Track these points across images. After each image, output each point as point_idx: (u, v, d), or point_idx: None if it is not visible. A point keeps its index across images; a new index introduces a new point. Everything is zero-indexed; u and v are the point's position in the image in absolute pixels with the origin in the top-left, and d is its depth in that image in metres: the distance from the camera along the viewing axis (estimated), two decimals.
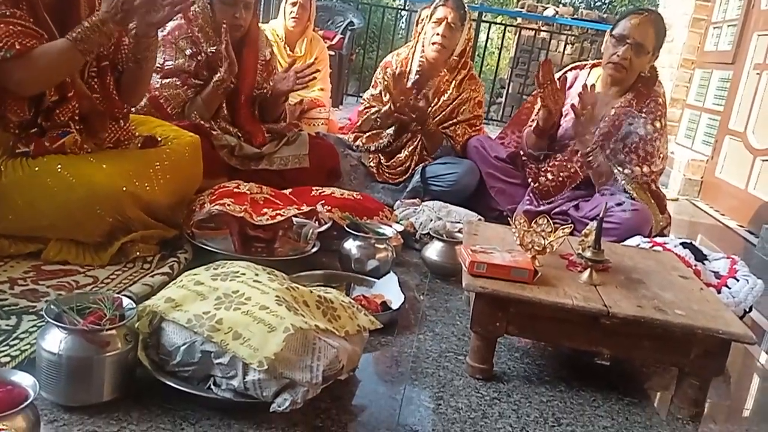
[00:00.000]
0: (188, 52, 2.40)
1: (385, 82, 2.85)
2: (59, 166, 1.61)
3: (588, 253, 1.54)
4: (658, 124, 2.51)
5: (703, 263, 1.93)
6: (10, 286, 1.45)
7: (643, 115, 2.50)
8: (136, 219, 1.71)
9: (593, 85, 2.53)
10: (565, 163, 2.61)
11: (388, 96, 2.80)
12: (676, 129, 4.99)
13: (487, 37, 7.63)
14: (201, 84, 2.43)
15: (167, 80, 2.38)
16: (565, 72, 2.79)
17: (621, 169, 2.46)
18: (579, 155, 2.53)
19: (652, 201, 2.50)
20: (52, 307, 1.12)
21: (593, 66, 2.75)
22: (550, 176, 2.64)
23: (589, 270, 1.53)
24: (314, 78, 2.60)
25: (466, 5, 2.81)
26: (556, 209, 2.61)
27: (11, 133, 1.65)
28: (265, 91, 2.63)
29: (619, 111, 2.54)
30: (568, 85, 2.64)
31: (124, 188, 1.65)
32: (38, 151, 1.64)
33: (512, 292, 1.39)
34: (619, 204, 2.40)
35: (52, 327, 1.09)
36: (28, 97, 1.64)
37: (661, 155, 2.53)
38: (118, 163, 1.70)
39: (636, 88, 2.56)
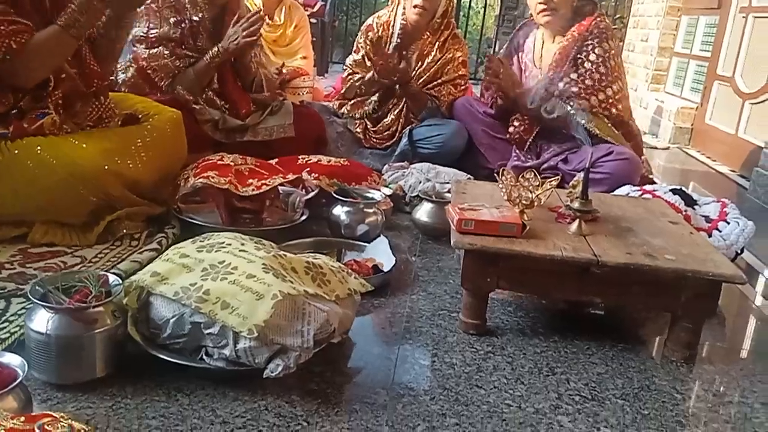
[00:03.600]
0: (172, 20, 2.36)
1: (367, 47, 2.81)
2: (39, 148, 1.59)
3: (576, 204, 1.53)
4: (606, 45, 2.49)
5: (693, 208, 1.93)
6: None
7: (589, 41, 2.49)
8: (120, 197, 1.69)
9: (495, 56, 2.65)
10: (524, 108, 2.61)
11: (370, 61, 2.76)
12: (665, 78, 4.95)
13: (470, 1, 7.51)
14: (188, 54, 2.39)
15: (154, 50, 2.34)
16: (517, 31, 2.80)
17: (572, 104, 2.44)
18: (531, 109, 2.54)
19: (617, 132, 2.48)
20: (37, 287, 1.12)
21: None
22: (516, 123, 2.64)
23: (577, 221, 1.52)
24: (261, 24, 2.48)
25: None
26: (545, 164, 2.61)
27: None
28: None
29: (563, 46, 2.54)
30: (521, 43, 2.72)
31: (106, 167, 1.63)
32: (17, 134, 1.61)
33: (501, 247, 1.39)
34: (607, 154, 2.39)
35: (39, 308, 1.08)
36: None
37: (616, 76, 2.50)
38: (99, 142, 1.67)
39: (577, 20, 2.55)
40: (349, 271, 1.41)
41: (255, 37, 2.39)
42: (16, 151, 1.59)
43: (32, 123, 1.64)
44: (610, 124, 2.49)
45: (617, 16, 7.56)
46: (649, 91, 4.96)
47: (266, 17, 3.77)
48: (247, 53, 2.50)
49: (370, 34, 2.88)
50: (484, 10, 8.73)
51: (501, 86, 2.59)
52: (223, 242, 1.30)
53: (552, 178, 1.62)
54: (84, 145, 1.64)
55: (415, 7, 2.73)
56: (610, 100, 2.49)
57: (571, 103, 2.45)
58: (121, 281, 1.19)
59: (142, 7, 2.06)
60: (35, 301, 1.08)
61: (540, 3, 2.51)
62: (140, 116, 1.94)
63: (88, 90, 1.76)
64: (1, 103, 1.63)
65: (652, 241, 1.49)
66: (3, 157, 1.57)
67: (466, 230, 1.44)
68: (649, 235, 1.53)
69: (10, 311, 1.27)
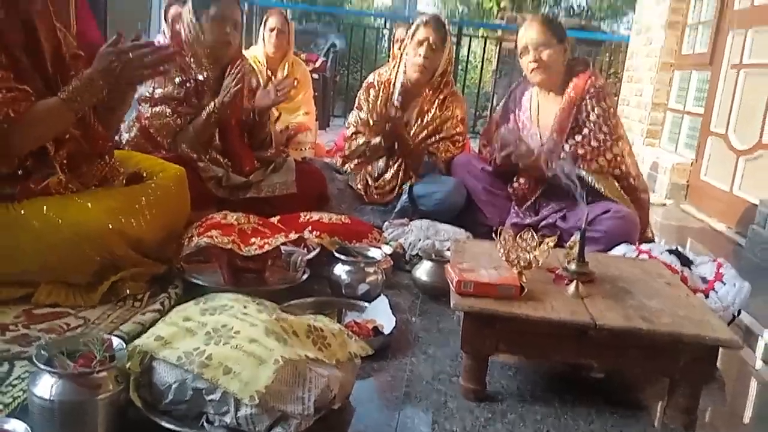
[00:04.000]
0: (177, 80, 2.44)
1: (369, 105, 2.88)
2: (45, 207, 1.62)
3: (573, 266, 1.56)
4: (603, 104, 2.57)
5: (690, 268, 1.95)
6: (0, 332, 1.45)
7: (587, 100, 2.55)
8: (124, 256, 1.72)
9: (505, 127, 2.68)
10: (531, 167, 2.65)
11: (374, 117, 2.83)
12: (660, 133, 5.04)
13: (469, 50, 7.70)
14: (191, 112, 2.45)
15: (157, 109, 2.41)
16: (513, 89, 2.87)
17: (582, 166, 2.49)
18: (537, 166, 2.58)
19: (623, 193, 2.52)
20: (42, 352, 1.13)
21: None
22: (522, 180, 2.68)
23: (575, 283, 1.54)
24: (294, 88, 2.61)
25: (446, 24, 2.85)
26: (543, 221, 2.64)
27: None
28: (252, 115, 2.66)
29: (562, 108, 2.60)
30: (517, 102, 2.78)
31: (111, 226, 1.66)
32: (24, 194, 1.65)
33: (499, 310, 1.41)
34: (605, 212, 2.42)
35: (43, 372, 1.09)
36: None
37: (619, 135, 2.57)
38: (104, 201, 1.71)
39: (571, 78, 2.62)
40: (350, 333, 1.42)
41: (284, 99, 2.48)
42: (23, 211, 1.62)
43: (38, 183, 1.68)
44: (617, 184, 2.54)
45: (611, 71, 7.75)
46: (644, 146, 5.04)
47: (269, 73, 3.89)
48: (266, 112, 2.58)
49: (371, 91, 2.96)
50: (482, 65, 8.95)
51: (517, 160, 2.59)
52: (226, 304, 1.33)
53: (549, 239, 1.64)
54: (89, 205, 1.67)
55: (416, 65, 2.81)
56: (618, 159, 2.55)
57: (581, 165, 2.50)
58: (124, 345, 1.20)
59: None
60: (40, 366, 1.09)
61: (531, 62, 2.59)
62: (144, 174, 1.99)
63: (93, 151, 1.81)
64: (5, 165, 1.66)
65: (649, 304, 1.50)
66: (9, 217, 1.60)
67: (466, 292, 1.46)
68: (645, 297, 1.55)
69: (13, 375, 1.28)
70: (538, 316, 1.39)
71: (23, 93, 1.61)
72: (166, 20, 3.69)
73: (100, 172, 1.84)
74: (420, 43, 2.79)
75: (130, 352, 1.20)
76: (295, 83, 2.61)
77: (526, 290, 1.49)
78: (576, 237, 1.63)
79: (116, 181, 1.89)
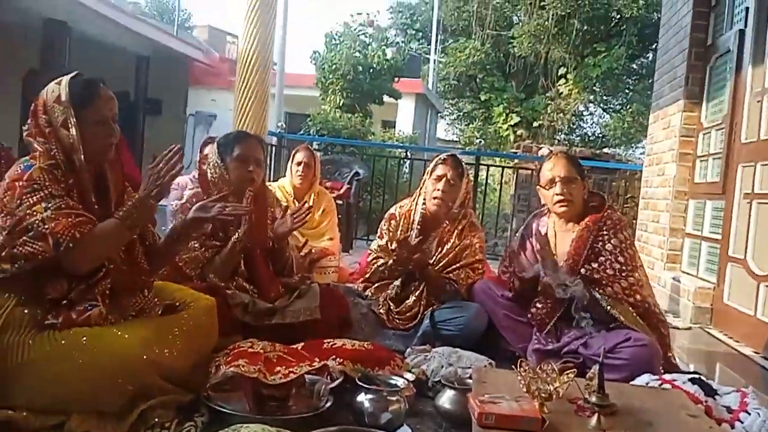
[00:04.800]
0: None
1: (390, 234, 3.01)
2: (84, 338, 1.71)
3: (593, 398, 1.57)
4: (621, 236, 2.65)
5: (714, 398, 1.94)
6: None
7: (604, 231, 2.64)
8: (154, 385, 1.77)
9: (544, 234, 2.78)
10: (549, 290, 2.69)
11: (393, 245, 2.95)
12: (680, 258, 5.07)
13: (487, 177, 7.98)
14: (217, 245, 2.59)
15: None
16: (529, 221, 2.99)
17: (599, 290, 2.54)
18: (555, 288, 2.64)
19: (642, 322, 2.55)
20: None
21: (549, 211, 2.92)
22: (539, 305, 2.72)
23: (596, 415, 1.56)
24: (309, 214, 2.75)
25: (463, 162, 3.04)
26: (565, 348, 2.65)
27: (41, 308, 1.77)
28: (272, 243, 2.78)
29: (579, 235, 2.68)
30: (534, 231, 2.88)
31: (145, 357, 1.73)
32: (65, 324, 1.74)
33: None
34: (626, 340, 2.44)
35: None
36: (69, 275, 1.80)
37: (635, 266, 2.62)
38: (140, 332, 1.80)
39: (588, 213, 2.73)
40: None
41: (300, 225, 2.62)
42: (63, 341, 1.71)
43: (80, 314, 1.77)
44: (633, 311, 2.57)
45: (628, 195, 7.92)
46: (665, 270, 5.06)
47: (296, 203, 4.08)
48: (285, 238, 2.71)
49: (392, 221, 3.10)
50: (500, 188, 9.21)
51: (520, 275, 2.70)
52: None
53: (570, 370, 1.68)
54: (126, 336, 1.75)
55: (434, 199, 2.97)
56: (633, 287, 2.59)
57: (599, 290, 2.56)
58: None
59: (177, 206, 2.32)
60: None
61: (558, 194, 2.70)
62: (178, 304, 2.08)
63: (135, 285, 1.92)
64: (56, 289, 1.78)
65: None
66: (51, 348, 1.69)
67: (488, 424, 1.48)
68: (668, 430, 1.55)
69: None
70: None
71: (88, 219, 1.80)
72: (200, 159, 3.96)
73: (138, 304, 1.95)
74: (438, 179, 2.97)
75: None
76: (309, 211, 2.75)
77: (547, 422, 1.50)
78: (595, 369, 1.65)
79: (152, 312, 1.98)
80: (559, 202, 2.72)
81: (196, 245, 2.55)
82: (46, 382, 1.66)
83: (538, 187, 2.85)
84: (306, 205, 2.81)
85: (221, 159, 2.65)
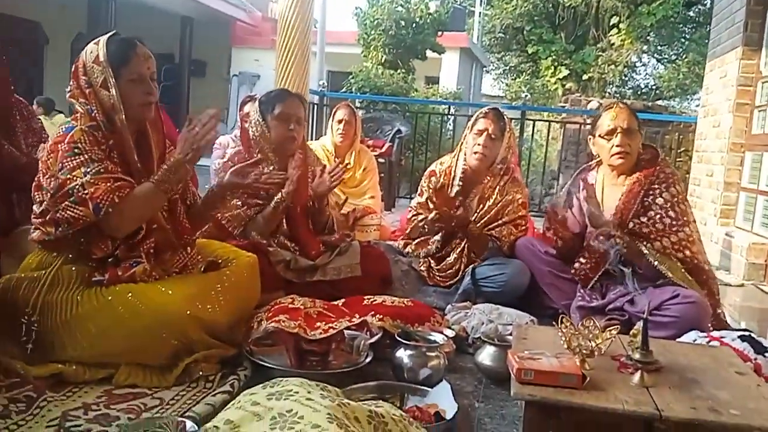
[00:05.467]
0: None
1: (430, 191, 2.98)
2: (129, 294, 1.76)
3: (637, 355, 1.54)
4: (673, 190, 2.55)
5: (764, 356, 1.88)
6: (84, 411, 1.56)
7: (655, 186, 2.55)
8: (198, 340, 1.82)
9: (591, 184, 2.70)
10: (593, 244, 2.63)
11: (432, 204, 2.92)
12: (734, 212, 4.89)
13: (533, 132, 7.80)
14: (260, 203, 2.61)
15: None
16: (577, 175, 2.89)
17: (647, 244, 2.47)
18: (601, 240, 2.57)
19: (690, 278, 2.47)
20: None
21: (598, 164, 2.82)
22: (583, 259, 2.66)
23: (639, 372, 1.52)
24: (345, 171, 2.73)
25: (505, 115, 2.95)
26: (611, 305, 2.60)
27: (88, 265, 1.82)
28: (312, 203, 2.79)
29: (629, 189, 2.60)
30: (582, 186, 2.79)
31: (189, 312, 1.78)
32: (112, 281, 1.80)
33: (561, 399, 1.40)
34: (673, 296, 2.37)
35: None
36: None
37: (686, 221, 2.53)
38: (183, 289, 1.84)
39: (640, 167, 2.64)
40: (411, 420, 1.44)
41: (338, 183, 2.62)
42: (110, 297, 1.77)
43: (126, 271, 1.83)
44: (682, 268, 2.50)
45: (681, 149, 7.64)
46: (718, 226, 4.90)
47: (337, 161, 4.07)
48: (323, 199, 2.71)
49: (432, 179, 3.06)
50: (547, 143, 9.00)
51: (563, 232, 2.66)
52: (291, 390, 1.38)
53: (613, 326, 1.64)
54: (170, 292, 1.80)
55: (474, 153, 2.91)
56: (683, 243, 2.51)
57: (646, 243, 2.49)
58: (197, 427, 1.27)
59: (219, 165, 2.33)
60: None
61: (617, 146, 2.60)
62: (220, 261, 2.12)
63: (178, 243, 1.96)
64: (100, 249, 1.83)
65: (718, 394, 1.46)
66: (97, 303, 1.75)
67: (526, 380, 1.46)
68: (714, 388, 1.50)
69: None
70: (600, 406, 1.38)
71: (127, 183, 1.82)
72: (240, 115, 3.98)
73: (181, 261, 1.98)
74: (479, 133, 2.90)
75: None
76: (346, 169, 2.74)
77: (588, 379, 1.48)
78: (639, 325, 1.61)
79: (195, 269, 2.02)
80: (617, 153, 2.62)
81: (239, 203, 2.58)
82: (94, 337, 1.73)
83: (590, 137, 2.75)
84: (343, 163, 2.78)
85: (262, 117, 2.65)
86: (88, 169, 1.76)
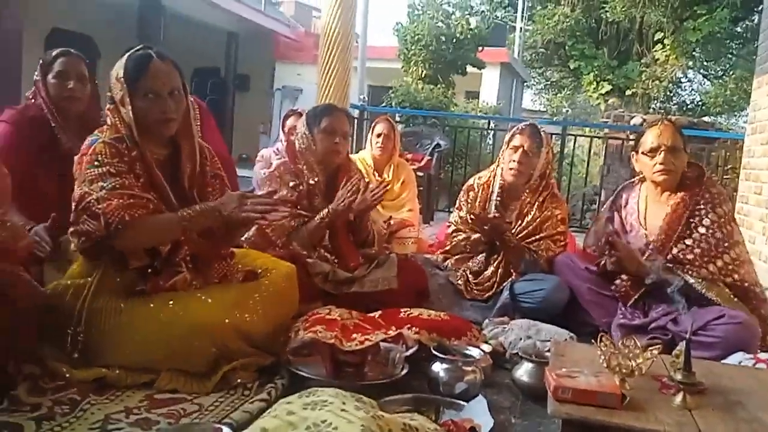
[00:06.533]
0: (291, 184, 2.66)
1: (469, 205, 2.98)
2: (171, 302, 1.80)
3: (679, 376, 1.50)
4: (720, 210, 2.49)
5: None
6: (125, 415, 1.60)
7: (701, 206, 2.48)
8: (237, 348, 1.85)
9: (614, 231, 2.66)
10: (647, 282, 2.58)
11: (471, 217, 2.92)
12: None
13: (574, 148, 7.71)
14: (304, 214, 2.64)
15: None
16: (619, 192, 2.85)
17: (691, 272, 2.41)
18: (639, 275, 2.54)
19: (736, 300, 2.40)
20: None
21: (641, 181, 2.77)
22: (624, 276, 2.61)
23: (682, 393, 1.49)
24: (386, 191, 2.74)
25: (543, 131, 2.93)
26: (653, 323, 2.54)
27: (130, 275, 1.87)
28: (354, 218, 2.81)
29: (674, 210, 2.55)
30: (624, 203, 2.75)
31: (227, 321, 1.81)
32: (153, 290, 1.85)
33: (599, 419, 1.38)
34: (719, 317, 2.31)
35: None
36: None
37: (734, 241, 2.46)
38: (222, 298, 1.87)
39: (685, 186, 2.58)
40: None
41: (378, 202, 2.64)
42: (152, 305, 1.81)
43: (167, 280, 1.87)
44: (730, 293, 2.43)
45: (728, 166, 7.44)
46: (767, 244, 4.74)
47: (376, 174, 4.10)
48: (365, 214, 2.73)
49: (471, 193, 3.06)
50: (588, 159, 8.88)
51: (621, 263, 2.59)
52: (326, 400, 1.39)
53: (655, 346, 1.61)
54: (209, 301, 1.84)
55: (510, 169, 2.90)
56: (729, 266, 2.44)
57: (690, 271, 2.44)
58: None
59: (266, 174, 2.37)
60: None
61: (661, 164, 2.55)
62: (259, 271, 2.15)
63: (216, 255, 2.00)
64: (137, 259, 1.87)
65: (763, 417, 1.42)
66: (141, 310, 1.80)
67: (564, 398, 1.45)
68: (760, 411, 1.46)
69: None
70: (639, 426, 1.36)
71: (142, 201, 1.81)
72: (283, 129, 4.05)
73: (220, 271, 2.02)
74: (515, 149, 2.89)
75: None
76: (386, 189, 2.75)
77: (627, 399, 1.45)
78: (682, 346, 1.58)
79: (234, 278, 2.05)
80: (660, 171, 2.58)
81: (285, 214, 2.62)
82: (137, 343, 1.77)
83: (633, 153, 2.71)
84: (382, 184, 2.80)
85: (309, 131, 2.70)
86: (105, 184, 1.77)
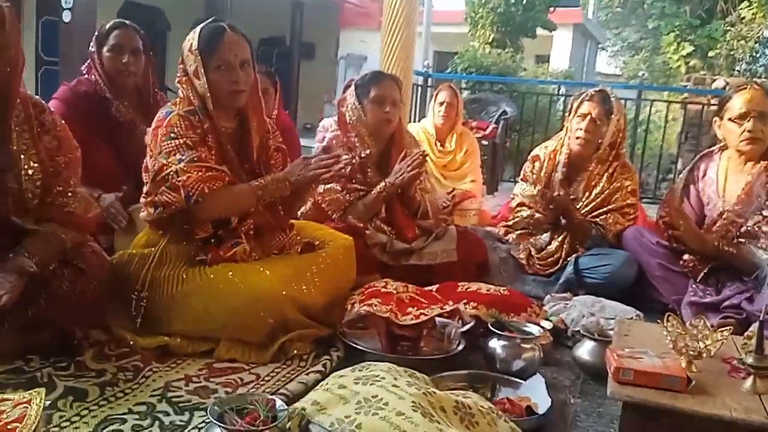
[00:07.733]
0: (344, 157, 2.63)
1: (534, 175, 2.89)
2: (230, 273, 1.83)
3: (750, 359, 1.42)
4: None
5: None
6: (185, 383, 1.65)
7: None
8: (294, 320, 1.87)
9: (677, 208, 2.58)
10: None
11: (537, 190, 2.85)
12: None
13: (650, 113, 7.36)
14: (358, 188, 2.63)
15: (327, 186, 2.61)
16: (696, 162, 2.70)
17: (765, 246, 2.29)
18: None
19: None
20: (215, 408, 1.27)
21: (721, 150, 2.60)
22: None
23: (752, 377, 1.40)
24: (420, 161, 2.64)
25: (613, 98, 2.79)
26: (726, 301, 2.41)
27: (193, 245, 1.92)
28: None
29: (756, 178, 2.42)
30: (701, 174, 2.63)
31: (284, 292, 1.83)
32: (214, 260, 1.89)
33: (662, 402, 1.32)
34: None
35: (215, 426, 1.23)
36: None
37: None
38: (280, 269, 1.90)
39: (766, 157, 2.45)
40: (500, 413, 1.41)
41: (420, 172, 2.59)
42: (212, 276, 1.85)
43: (227, 251, 1.90)
44: None
45: None
46: None
47: (438, 144, 4.04)
48: (411, 186, 2.69)
49: (536, 163, 2.96)
50: (665, 126, 8.47)
51: (682, 239, 2.52)
52: (378, 375, 1.39)
53: (726, 327, 1.52)
54: (267, 272, 1.86)
55: (577, 138, 2.78)
56: None
57: (762, 245, 2.30)
58: (286, 406, 1.30)
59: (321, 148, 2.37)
60: (213, 420, 1.22)
61: (749, 131, 2.44)
62: (317, 243, 2.16)
63: (276, 225, 2.02)
64: (202, 230, 1.92)
65: None
66: (201, 281, 1.84)
67: (625, 380, 1.39)
68: None
69: (192, 423, 1.44)
70: (705, 411, 1.29)
71: (219, 173, 1.87)
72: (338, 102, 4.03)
73: (280, 242, 2.05)
74: (582, 117, 2.76)
75: (290, 413, 1.30)
76: (424, 160, 2.64)
77: (693, 382, 1.38)
78: (754, 327, 1.48)
79: (293, 250, 2.07)
80: (748, 139, 2.45)
81: (337, 188, 2.61)
82: (197, 312, 1.82)
83: (716, 119, 2.57)
84: (418, 154, 2.64)
85: (358, 101, 2.66)
86: (183, 156, 1.82)
